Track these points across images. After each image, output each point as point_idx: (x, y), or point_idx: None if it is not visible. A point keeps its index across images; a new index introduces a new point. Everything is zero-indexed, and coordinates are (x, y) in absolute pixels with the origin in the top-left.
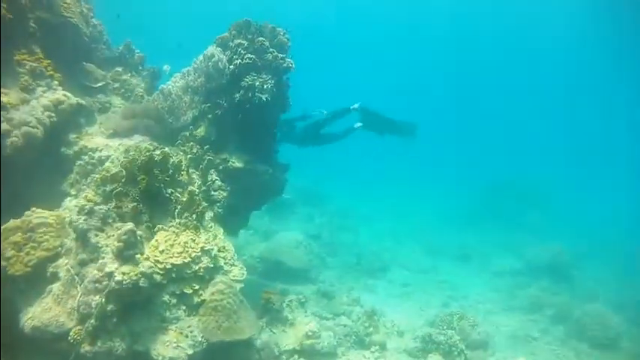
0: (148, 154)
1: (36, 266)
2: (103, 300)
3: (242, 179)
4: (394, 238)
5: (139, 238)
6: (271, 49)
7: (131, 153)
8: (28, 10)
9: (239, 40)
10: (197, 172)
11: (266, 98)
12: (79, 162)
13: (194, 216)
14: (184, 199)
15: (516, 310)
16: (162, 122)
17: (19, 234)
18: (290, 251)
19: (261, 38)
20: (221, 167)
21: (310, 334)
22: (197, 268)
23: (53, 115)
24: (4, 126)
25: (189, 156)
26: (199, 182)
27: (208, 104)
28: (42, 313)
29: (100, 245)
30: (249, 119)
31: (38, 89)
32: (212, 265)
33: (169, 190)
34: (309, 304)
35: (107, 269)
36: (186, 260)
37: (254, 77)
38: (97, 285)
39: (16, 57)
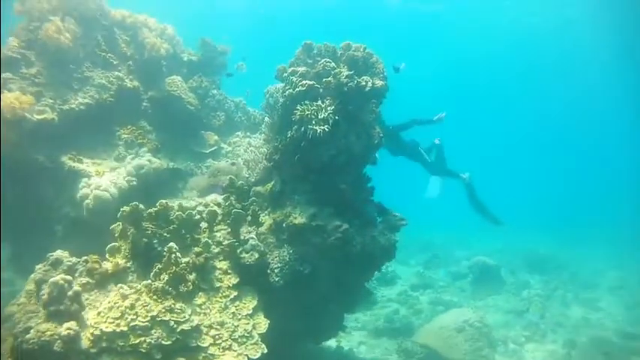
0: (133, 204)
1: None
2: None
3: (311, 239)
4: None
5: (69, 293)
6: (336, 70)
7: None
8: (142, 92)
9: (293, 68)
10: (227, 229)
11: (322, 130)
12: None
13: (165, 278)
14: (164, 259)
15: None
16: (238, 179)
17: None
18: (448, 336)
19: (324, 60)
20: (284, 224)
21: None
22: (138, 341)
23: (133, 179)
24: (85, 191)
25: (215, 209)
26: (226, 241)
27: (270, 149)
28: None
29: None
30: (310, 161)
31: (128, 157)
32: (169, 342)
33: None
34: None
35: (28, 324)
36: (119, 329)
37: (305, 106)
38: (18, 340)
39: (118, 132)
